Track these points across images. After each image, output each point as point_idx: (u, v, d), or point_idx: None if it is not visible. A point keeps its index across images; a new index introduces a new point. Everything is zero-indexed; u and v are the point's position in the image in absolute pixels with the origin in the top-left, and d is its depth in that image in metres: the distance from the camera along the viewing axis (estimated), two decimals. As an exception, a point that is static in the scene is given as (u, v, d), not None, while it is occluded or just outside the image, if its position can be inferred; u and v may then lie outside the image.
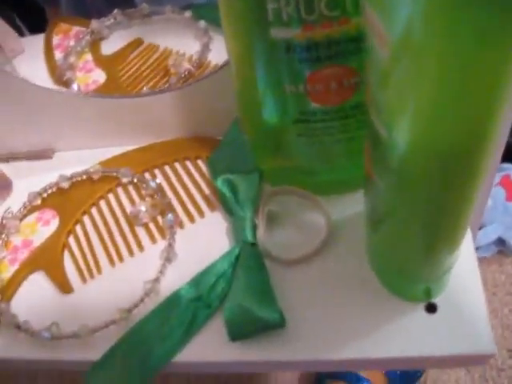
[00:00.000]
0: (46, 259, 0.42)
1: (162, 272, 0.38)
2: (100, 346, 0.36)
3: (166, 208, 0.42)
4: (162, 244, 0.41)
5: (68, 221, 0.44)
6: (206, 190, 0.43)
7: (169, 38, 0.53)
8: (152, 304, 0.37)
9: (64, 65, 0.52)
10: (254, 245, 0.37)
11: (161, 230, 0.42)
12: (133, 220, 0.42)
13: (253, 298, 0.35)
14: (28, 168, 0.50)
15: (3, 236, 0.44)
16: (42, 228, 0.44)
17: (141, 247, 0.41)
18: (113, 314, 0.37)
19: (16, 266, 0.42)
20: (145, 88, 0.48)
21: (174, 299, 0.37)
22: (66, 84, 0.51)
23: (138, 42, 0.53)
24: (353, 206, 0.39)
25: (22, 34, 0.56)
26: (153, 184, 0.43)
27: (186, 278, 0.38)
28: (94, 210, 0.44)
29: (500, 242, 0.84)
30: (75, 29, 0.56)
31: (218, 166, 0.42)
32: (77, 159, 0.48)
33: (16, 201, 0.47)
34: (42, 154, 0.50)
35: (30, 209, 0.45)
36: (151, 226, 0.42)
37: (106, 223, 0.43)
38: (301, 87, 0.33)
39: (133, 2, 0.56)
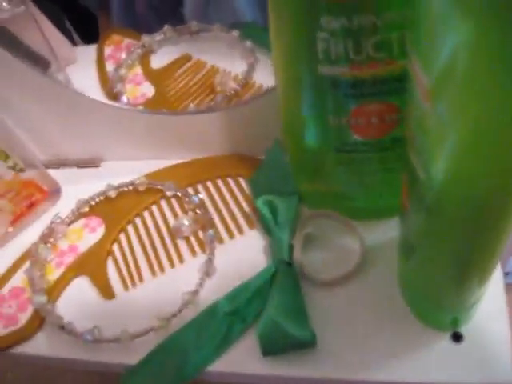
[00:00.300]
0: (91, 265, 0.44)
1: (200, 285, 0.40)
2: (138, 351, 0.38)
3: (207, 223, 0.44)
4: (201, 257, 0.43)
5: (113, 229, 0.46)
6: (246, 208, 0.45)
7: (216, 56, 0.55)
8: (190, 315, 0.39)
9: (115, 76, 0.55)
10: (290, 265, 0.39)
11: (201, 243, 0.43)
12: (175, 232, 0.44)
13: (286, 315, 0.36)
14: (76, 175, 0.52)
15: (51, 240, 0.46)
16: (89, 234, 0.46)
17: (181, 259, 0.43)
18: (152, 321, 0.39)
19: (62, 270, 0.45)
20: (191, 105, 0.50)
21: (211, 312, 0.38)
22: (116, 96, 0.53)
23: (186, 58, 0.55)
24: (386, 232, 0.41)
25: (73, 42, 0.58)
26: (195, 199, 0.45)
27: (223, 291, 0.39)
28: (138, 220, 0.47)
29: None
30: (126, 41, 0.58)
31: (259, 185, 0.44)
32: (123, 169, 0.51)
33: (64, 207, 0.49)
34: (90, 163, 0.52)
35: (77, 215, 0.48)
36: (192, 239, 0.44)
37: (148, 234, 0.45)
38: (344, 120, 0.35)
39: (181, 16, 0.58)
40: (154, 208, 0.47)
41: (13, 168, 0.45)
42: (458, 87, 0.21)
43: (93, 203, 0.48)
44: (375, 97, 0.33)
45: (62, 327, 0.40)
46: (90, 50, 0.59)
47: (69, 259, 0.45)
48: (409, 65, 0.25)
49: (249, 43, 0.53)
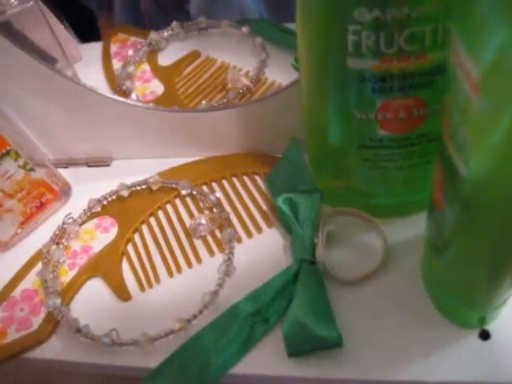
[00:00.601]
0: (105, 266, 0.43)
1: (220, 285, 0.39)
2: (158, 354, 0.37)
3: (225, 222, 0.43)
4: (219, 257, 0.42)
5: (127, 229, 0.45)
6: (264, 206, 0.44)
7: (225, 52, 0.54)
8: (211, 316, 0.38)
9: (122, 74, 0.54)
10: (313, 263, 0.38)
11: (219, 243, 0.43)
12: (191, 232, 0.43)
13: (312, 315, 0.36)
14: (86, 174, 0.51)
15: (63, 240, 0.45)
16: (101, 235, 0.45)
17: (199, 259, 0.42)
18: (172, 323, 0.38)
19: (75, 271, 0.44)
20: (203, 102, 0.50)
21: (232, 312, 0.38)
22: (125, 93, 0.53)
23: (195, 55, 0.54)
24: (409, 229, 0.40)
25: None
26: (212, 198, 0.44)
27: (244, 291, 0.39)
28: (152, 220, 0.46)
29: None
30: (132, 38, 0.58)
31: (277, 183, 0.44)
32: (134, 168, 0.50)
33: (75, 207, 0.48)
34: (100, 161, 0.51)
35: (89, 215, 0.47)
36: (209, 238, 0.43)
37: (164, 233, 0.44)
38: (371, 115, 0.34)
39: (187, 12, 0.57)
40: (169, 207, 0.46)
41: (23, 167, 0.44)
42: (508, 80, 0.21)
43: (105, 203, 0.47)
44: (404, 91, 0.33)
45: (78, 330, 0.39)
46: (95, 48, 0.58)
47: (82, 260, 0.44)
48: (453, 57, 0.25)
49: (259, 39, 0.52)
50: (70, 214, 0.46)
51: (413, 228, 0.40)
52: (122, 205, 0.47)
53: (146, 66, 0.56)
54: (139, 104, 0.48)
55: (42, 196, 0.47)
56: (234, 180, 0.47)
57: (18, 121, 0.47)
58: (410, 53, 0.30)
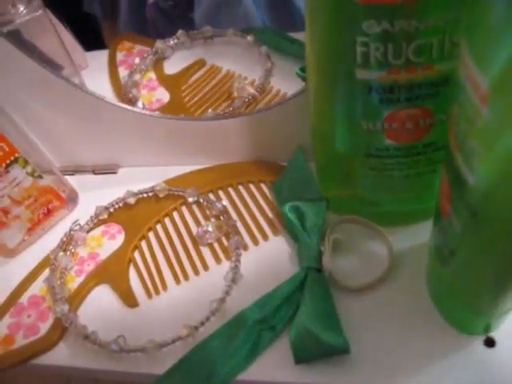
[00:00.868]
0: (112, 273, 0.44)
1: (227, 292, 0.40)
2: (166, 360, 0.38)
3: (231, 230, 0.43)
4: (226, 265, 0.42)
5: (134, 236, 0.45)
6: (270, 214, 0.45)
7: (230, 61, 0.54)
8: (218, 323, 0.38)
9: (129, 82, 0.54)
10: (319, 271, 0.38)
11: (225, 250, 0.43)
12: (198, 239, 0.44)
13: (319, 322, 0.36)
14: (93, 182, 0.52)
15: (70, 247, 0.45)
16: (108, 241, 0.46)
17: (206, 267, 0.43)
18: (179, 330, 0.38)
19: (82, 278, 0.44)
20: (209, 110, 0.50)
21: (239, 319, 0.38)
22: (131, 101, 0.53)
23: (201, 63, 0.55)
24: (415, 237, 0.41)
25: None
26: (219, 205, 0.45)
27: (251, 299, 0.39)
28: (159, 227, 0.46)
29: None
30: (138, 46, 0.58)
31: (283, 192, 0.44)
32: (140, 176, 0.50)
33: (81, 214, 0.48)
34: (106, 169, 0.51)
35: (96, 222, 0.47)
36: (216, 246, 0.44)
37: (170, 241, 0.45)
38: (378, 124, 0.34)
39: (191, 21, 0.58)
40: (175, 214, 0.47)
41: (31, 174, 0.45)
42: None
43: (112, 210, 0.47)
44: (410, 102, 0.33)
45: (86, 337, 0.39)
46: (100, 56, 0.59)
47: (89, 267, 0.44)
48: (462, 69, 0.25)
49: (264, 48, 0.53)
50: (78, 220, 0.46)
51: (418, 236, 0.40)
52: (128, 212, 0.47)
53: (151, 75, 0.56)
54: (146, 112, 0.49)
55: (50, 203, 0.47)
56: (240, 188, 0.47)
57: (25, 128, 0.47)
58: (417, 64, 0.31)
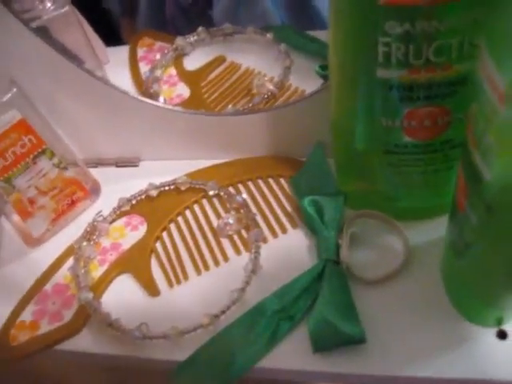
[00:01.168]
0: (134, 262, 0.45)
1: (247, 282, 0.41)
2: (187, 347, 0.39)
3: (251, 222, 0.45)
4: (245, 256, 0.44)
5: (155, 227, 0.47)
6: (288, 208, 0.46)
7: (250, 58, 0.56)
8: (238, 312, 0.40)
9: (150, 77, 0.55)
10: (337, 263, 0.40)
11: (245, 242, 0.44)
12: (218, 231, 0.45)
13: (337, 313, 0.37)
14: (115, 174, 0.53)
15: (94, 237, 0.47)
16: (131, 232, 0.47)
17: (226, 258, 0.44)
18: (201, 318, 0.40)
19: (105, 267, 0.45)
20: (229, 106, 0.51)
21: (259, 309, 0.39)
22: (153, 96, 0.54)
23: (220, 60, 0.56)
24: (430, 232, 0.42)
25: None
26: (239, 199, 0.46)
27: (270, 289, 0.40)
28: (180, 219, 0.47)
29: None
30: (158, 43, 0.59)
31: (301, 186, 0.45)
32: (161, 169, 0.51)
33: (103, 205, 0.50)
34: (128, 162, 0.53)
35: (119, 214, 0.48)
36: (235, 238, 0.45)
37: (191, 232, 0.46)
38: (397, 122, 0.36)
39: (210, 18, 0.59)
40: (196, 207, 0.48)
41: (57, 166, 0.46)
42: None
43: (134, 202, 0.49)
44: (429, 100, 0.34)
45: (110, 324, 0.41)
46: (121, 52, 0.60)
47: (112, 256, 0.46)
48: (481, 70, 0.26)
49: (283, 46, 0.54)
50: (101, 211, 0.48)
51: (433, 231, 0.41)
52: (150, 204, 0.48)
53: (172, 70, 0.57)
54: (168, 106, 0.50)
55: (74, 194, 0.48)
56: (260, 182, 0.48)
57: (51, 121, 0.48)
58: (436, 64, 0.32)
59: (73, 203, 0.49)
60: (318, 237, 0.41)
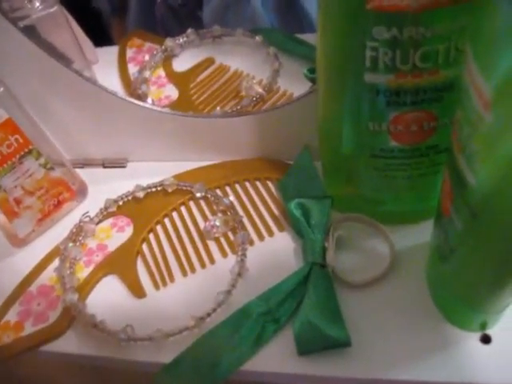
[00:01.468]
0: (120, 264, 0.45)
1: (233, 285, 0.41)
2: (172, 349, 0.39)
3: (238, 225, 0.45)
4: (232, 258, 0.44)
5: (142, 229, 0.47)
6: (275, 211, 0.46)
7: (239, 61, 0.56)
8: (224, 314, 0.40)
9: (139, 78, 0.55)
10: (323, 266, 0.40)
11: (231, 245, 0.44)
12: (205, 233, 0.45)
13: (322, 316, 0.37)
14: (102, 175, 0.53)
15: (80, 238, 0.47)
16: (117, 234, 0.47)
17: (212, 260, 0.44)
18: (186, 320, 0.39)
19: (91, 268, 0.45)
20: (217, 108, 0.51)
21: (244, 311, 0.39)
22: (141, 97, 0.54)
23: (209, 61, 0.56)
24: (416, 236, 0.42)
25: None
26: (226, 201, 0.46)
27: (256, 292, 0.40)
28: (166, 221, 0.47)
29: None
30: (147, 44, 0.59)
31: (288, 189, 0.45)
32: (148, 170, 0.51)
33: (90, 206, 0.49)
34: (115, 163, 0.53)
35: (105, 215, 0.48)
36: (222, 240, 0.45)
37: (178, 234, 0.46)
38: (384, 126, 0.36)
39: (200, 20, 0.59)
40: (183, 209, 0.48)
41: (44, 166, 0.46)
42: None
43: (121, 203, 0.48)
44: (416, 105, 0.34)
45: (95, 325, 0.40)
46: (110, 52, 0.60)
47: (98, 258, 0.46)
48: (467, 76, 0.26)
49: (272, 48, 0.54)
50: (87, 212, 0.48)
51: (419, 235, 0.42)
52: (137, 205, 0.48)
53: (161, 72, 0.57)
54: (155, 108, 0.50)
55: (60, 195, 0.48)
56: (247, 184, 0.48)
57: (38, 120, 0.48)
58: (423, 69, 0.32)
59: (59, 204, 0.48)
60: (305, 240, 0.41)
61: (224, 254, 0.44)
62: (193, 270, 0.44)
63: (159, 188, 0.49)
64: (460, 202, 0.30)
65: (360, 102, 0.35)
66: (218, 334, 0.39)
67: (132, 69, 0.58)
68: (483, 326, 0.37)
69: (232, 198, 0.47)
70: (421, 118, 0.35)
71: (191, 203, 0.48)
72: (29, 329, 0.42)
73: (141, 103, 0.49)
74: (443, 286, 0.37)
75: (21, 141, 0.44)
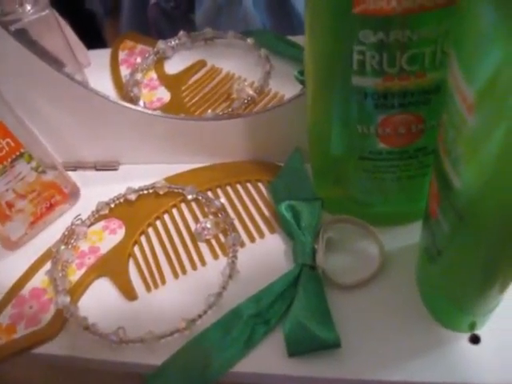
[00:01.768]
0: (112, 266, 0.45)
1: (224, 287, 0.41)
2: (164, 351, 0.39)
3: (229, 227, 0.45)
4: (223, 260, 0.44)
5: (134, 231, 0.47)
6: (266, 213, 0.46)
7: (230, 63, 0.56)
8: (214, 316, 0.40)
9: (130, 81, 0.55)
10: (313, 268, 0.40)
11: (222, 247, 0.44)
12: (196, 235, 0.45)
13: (312, 317, 0.38)
14: (94, 178, 0.53)
15: (72, 241, 0.47)
16: (109, 236, 0.47)
17: (203, 262, 0.44)
18: (177, 322, 0.40)
19: (83, 271, 0.45)
20: (209, 111, 0.51)
21: (235, 313, 0.39)
22: (132, 100, 0.54)
23: (201, 64, 0.56)
24: (405, 237, 0.42)
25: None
26: (217, 203, 0.46)
27: (247, 294, 0.40)
28: (158, 223, 0.47)
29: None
30: (140, 46, 0.59)
31: (279, 191, 0.46)
32: (140, 173, 0.52)
33: (82, 209, 0.50)
34: (107, 165, 0.53)
35: (97, 217, 0.48)
36: (213, 242, 0.45)
37: (169, 236, 0.46)
38: (372, 129, 0.36)
39: (192, 22, 0.59)
40: (175, 211, 0.48)
41: (35, 169, 0.46)
42: (501, 102, 0.23)
43: (112, 205, 0.49)
44: (403, 108, 0.35)
45: (87, 328, 0.41)
46: (103, 55, 0.60)
47: (90, 260, 0.46)
48: (451, 79, 0.27)
49: (264, 51, 0.54)
50: (79, 215, 0.48)
51: (408, 236, 0.42)
52: (129, 208, 0.48)
53: (153, 74, 0.57)
54: (147, 111, 0.50)
55: (52, 198, 0.48)
56: (238, 187, 0.48)
57: (29, 124, 0.48)
58: (410, 72, 0.32)
59: (51, 207, 0.49)
60: (295, 242, 0.42)
61: (215, 256, 0.44)
62: (184, 272, 0.44)
63: (151, 190, 0.49)
64: (446, 204, 0.31)
65: (348, 104, 0.36)
66: (209, 336, 0.39)
67: (124, 71, 0.58)
68: (472, 327, 0.37)
69: (223, 200, 0.48)
70: (409, 120, 0.35)
71: (183, 205, 0.48)
72: (21, 331, 0.42)
73: (132, 106, 0.49)
74: (432, 287, 0.38)
75: (12, 144, 0.44)
